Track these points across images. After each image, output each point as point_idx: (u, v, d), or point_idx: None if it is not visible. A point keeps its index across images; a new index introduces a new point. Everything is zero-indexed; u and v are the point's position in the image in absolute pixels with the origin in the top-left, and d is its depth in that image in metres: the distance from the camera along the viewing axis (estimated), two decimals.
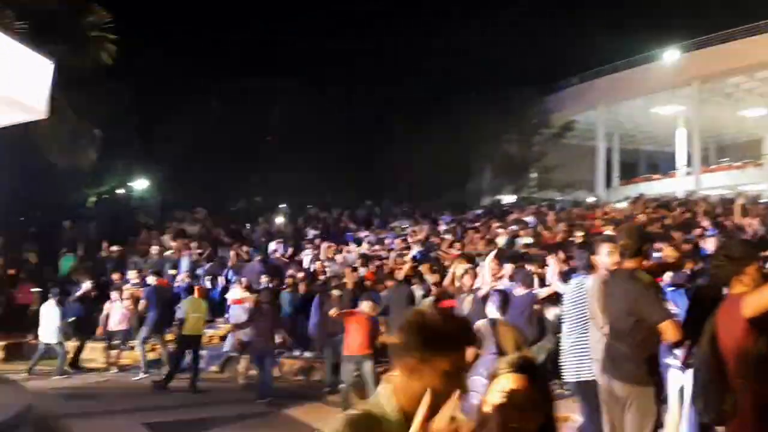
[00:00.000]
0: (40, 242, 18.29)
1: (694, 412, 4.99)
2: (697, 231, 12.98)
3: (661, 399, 4.62)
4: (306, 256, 17.21)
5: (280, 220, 23.98)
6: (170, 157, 26.73)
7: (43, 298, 13.15)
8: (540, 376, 2.10)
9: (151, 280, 13.28)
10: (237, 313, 13.90)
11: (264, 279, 14.70)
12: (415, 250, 15.82)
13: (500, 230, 16.45)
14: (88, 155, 16.48)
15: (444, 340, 1.96)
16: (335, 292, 11.78)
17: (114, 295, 13.32)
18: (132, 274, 14.39)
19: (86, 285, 13.86)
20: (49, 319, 12.16)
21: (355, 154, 29.35)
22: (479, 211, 23.69)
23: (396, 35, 29.51)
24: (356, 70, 29.73)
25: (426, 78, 29.74)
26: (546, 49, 30.91)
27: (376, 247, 17.37)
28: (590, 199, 27.88)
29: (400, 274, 12.85)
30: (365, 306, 9.69)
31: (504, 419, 1.96)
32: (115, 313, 13.16)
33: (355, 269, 13.88)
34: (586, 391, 5.43)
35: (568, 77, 34.28)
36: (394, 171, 29.63)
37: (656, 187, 32.22)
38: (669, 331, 4.14)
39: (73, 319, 13.61)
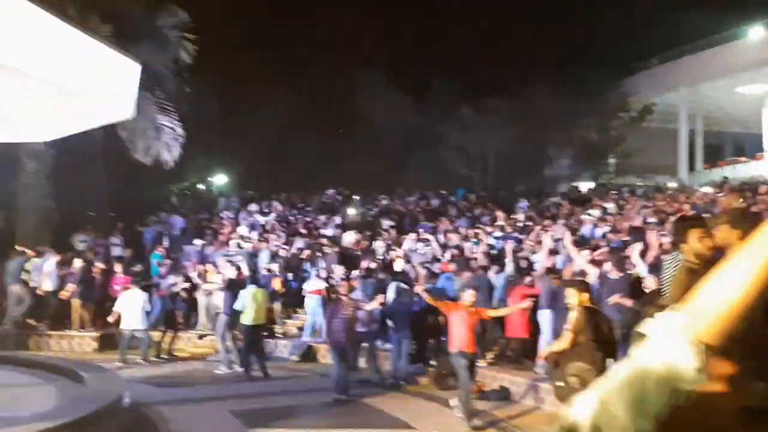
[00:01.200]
0: (127, 237, 19.02)
1: None
2: None
3: None
4: (380, 247, 17.30)
5: (352, 211, 24.17)
6: (248, 152, 27.31)
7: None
8: None
9: (230, 272, 13.54)
10: (313, 304, 14.25)
11: (340, 269, 14.93)
12: (492, 238, 15.71)
13: (583, 217, 16.19)
14: (171, 152, 17.06)
15: None
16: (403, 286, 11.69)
17: (212, 287, 13.81)
18: (221, 266, 14.73)
19: (172, 279, 14.41)
20: (132, 307, 12.66)
21: (427, 142, 29.26)
22: (557, 199, 23.25)
23: (466, 19, 29.17)
24: (427, 56, 29.54)
25: (498, 62, 29.28)
26: (623, 30, 30.02)
27: (451, 236, 17.29)
28: (672, 184, 26.95)
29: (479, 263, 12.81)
30: (467, 295, 8.83)
31: None
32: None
33: (436, 260, 13.91)
34: None
35: (646, 58, 33.16)
36: (467, 159, 29.40)
37: (743, 170, 30.83)
38: None
39: (156, 311, 14.26)
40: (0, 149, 17.23)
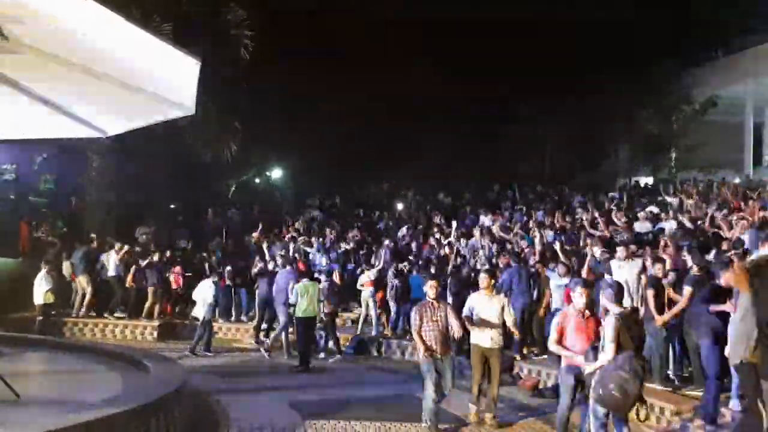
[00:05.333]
0: (189, 230, 19.49)
1: None
2: None
3: None
4: (434, 241, 17.27)
5: (406, 205, 24.21)
6: (303, 146, 27.58)
7: (195, 281, 14.16)
8: None
9: (287, 267, 13.79)
10: (366, 296, 14.38)
11: (394, 263, 14.99)
12: (549, 233, 15.51)
13: (642, 213, 15.87)
14: (230, 147, 17.41)
15: None
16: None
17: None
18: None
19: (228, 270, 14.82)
20: (201, 297, 13.01)
21: (483, 136, 28.99)
22: (615, 193, 22.79)
23: (524, 12, 28.62)
24: (485, 50, 29.12)
25: (555, 53, 28.66)
26: (686, 20, 29.07)
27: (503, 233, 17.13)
28: (736, 180, 26.07)
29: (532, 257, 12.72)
30: (578, 296, 6.91)
31: None
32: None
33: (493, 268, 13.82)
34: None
35: (710, 49, 32.08)
36: (523, 153, 29.04)
37: None
38: None
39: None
40: (68, 145, 18.01)
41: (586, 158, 28.34)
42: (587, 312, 6.88)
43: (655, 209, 16.40)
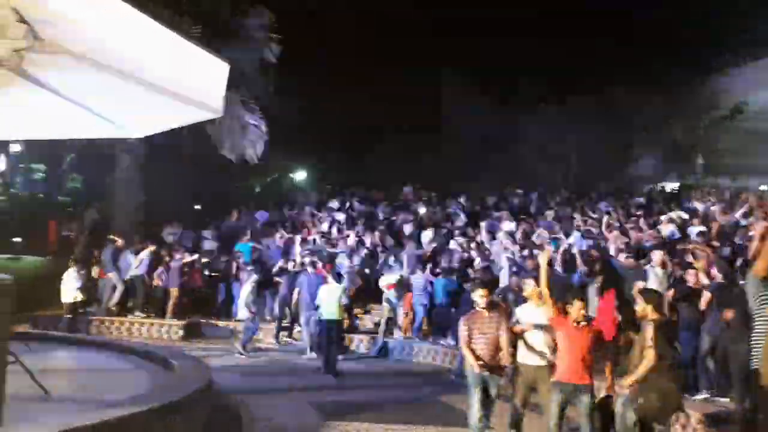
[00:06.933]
0: (215, 231, 19.62)
1: None
2: None
3: None
4: (456, 245, 17.18)
5: (427, 209, 24.07)
6: (328, 148, 27.67)
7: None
8: None
9: (310, 269, 13.90)
10: (388, 298, 14.41)
11: (419, 268, 14.95)
12: (574, 238, 15.38)
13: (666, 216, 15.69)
14: (256, 148, 17.53)
15: None
16: None
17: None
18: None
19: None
20: (241, 297, 13.16)
21: (508, 140, 28.83)
22: (641, 199, 22.52)
23: (548, 15, 28.42)
24: (508, 54, 28.94)
25: (582, 58, 28.41)
26: (714, 25, 28.68)
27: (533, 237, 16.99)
28: (763, 187, 25.63)
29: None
30: (575, 307, 6.61)
31: None
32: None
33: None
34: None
35: (739, 55, 31.62)
36: (546, 157, 28.82)
37: None
38: None
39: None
40: (98, 145, 18.27)
41: (610, 163, 28.06)
42: (583, 323, 6.54)
43: (683, 214, 16.20)
